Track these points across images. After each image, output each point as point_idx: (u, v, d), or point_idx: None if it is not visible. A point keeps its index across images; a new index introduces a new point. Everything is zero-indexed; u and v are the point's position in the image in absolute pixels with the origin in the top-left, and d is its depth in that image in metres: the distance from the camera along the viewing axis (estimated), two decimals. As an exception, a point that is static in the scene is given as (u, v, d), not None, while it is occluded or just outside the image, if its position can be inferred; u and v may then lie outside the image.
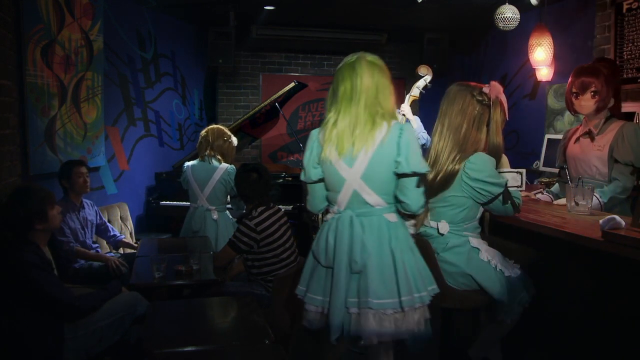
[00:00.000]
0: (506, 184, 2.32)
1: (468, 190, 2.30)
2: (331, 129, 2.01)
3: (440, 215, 2.37)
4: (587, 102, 2.79)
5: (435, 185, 2.31)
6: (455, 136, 2.32)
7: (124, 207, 4.66)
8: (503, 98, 2.38)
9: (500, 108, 2.36)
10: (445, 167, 2.29)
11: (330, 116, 2.03)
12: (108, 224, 4.00)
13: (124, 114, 4.88)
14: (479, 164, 2.28)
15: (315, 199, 2.15)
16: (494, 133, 2.36)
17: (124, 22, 4.83)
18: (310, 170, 2.08)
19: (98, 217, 3.87)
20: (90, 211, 3.78)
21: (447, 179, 2.29)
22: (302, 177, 2.11)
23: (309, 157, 2.08)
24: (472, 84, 2.41)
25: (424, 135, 4.82)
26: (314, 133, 2.10)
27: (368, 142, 1.96)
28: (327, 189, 2.10)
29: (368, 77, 1.99)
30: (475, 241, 2.38)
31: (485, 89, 2.36)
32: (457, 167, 2.28)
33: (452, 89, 2.42)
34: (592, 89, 2.75)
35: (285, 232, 3.16)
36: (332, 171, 2.03)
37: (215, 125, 4.11)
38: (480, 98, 2.34)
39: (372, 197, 2.00)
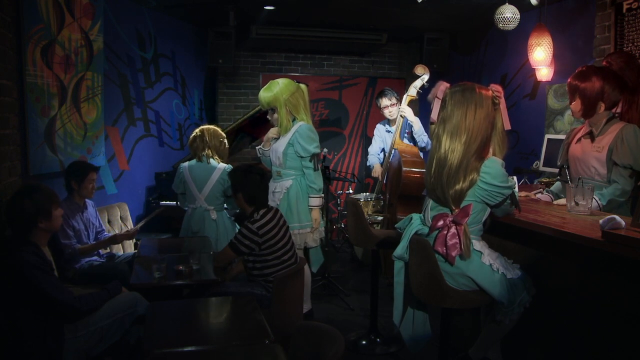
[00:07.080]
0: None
1: (481, 194, 2.31)
2: None
3: None
4: (574, 107, 2.83)
5: (457, 195, 2.30)
6: (476, 142, 2.30)
7: (124, 207, 4.66)
8: (503, 100, 2.41)
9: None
10: (471, 177, 2.28)
11: None
12: (104, 228, 3.91)
13: (124, 114, 4.87)
14: (495, 169, 2.30)
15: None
16: (500, 131, 2.40)
17: (124, 22, 4.82)
18: None
19: (98, 222, 3.84)
20: (92, 211, 3.78)
21: (469, 188, 2.30)
22: None
23: None
24: (478, 86, 2.39)
25: (424, 138, 4.79)
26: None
27: None
28: None
29: None
30: (478, 244, 2.38)
31: (497, 94, 2.36)
32: (476, 176, 2.28)
33: (473, 91, 2.34)
34: (578, 93, 2.77)
35: (286, 234, 3.16)
36: None
37: (210, 126, 4.11)
38: (496, 102, 2.37)
39: None
